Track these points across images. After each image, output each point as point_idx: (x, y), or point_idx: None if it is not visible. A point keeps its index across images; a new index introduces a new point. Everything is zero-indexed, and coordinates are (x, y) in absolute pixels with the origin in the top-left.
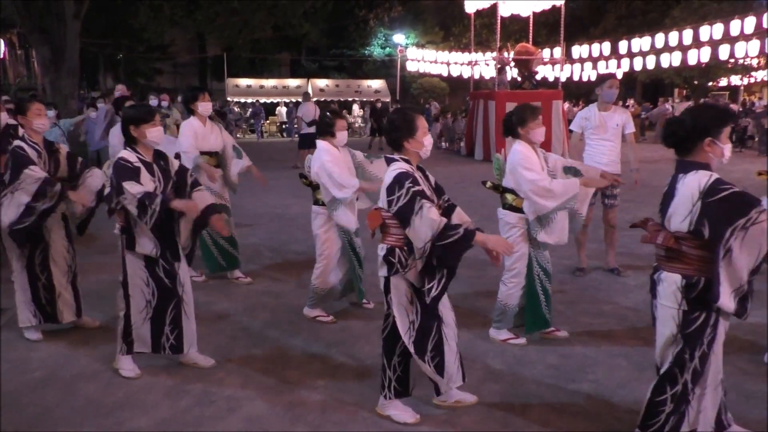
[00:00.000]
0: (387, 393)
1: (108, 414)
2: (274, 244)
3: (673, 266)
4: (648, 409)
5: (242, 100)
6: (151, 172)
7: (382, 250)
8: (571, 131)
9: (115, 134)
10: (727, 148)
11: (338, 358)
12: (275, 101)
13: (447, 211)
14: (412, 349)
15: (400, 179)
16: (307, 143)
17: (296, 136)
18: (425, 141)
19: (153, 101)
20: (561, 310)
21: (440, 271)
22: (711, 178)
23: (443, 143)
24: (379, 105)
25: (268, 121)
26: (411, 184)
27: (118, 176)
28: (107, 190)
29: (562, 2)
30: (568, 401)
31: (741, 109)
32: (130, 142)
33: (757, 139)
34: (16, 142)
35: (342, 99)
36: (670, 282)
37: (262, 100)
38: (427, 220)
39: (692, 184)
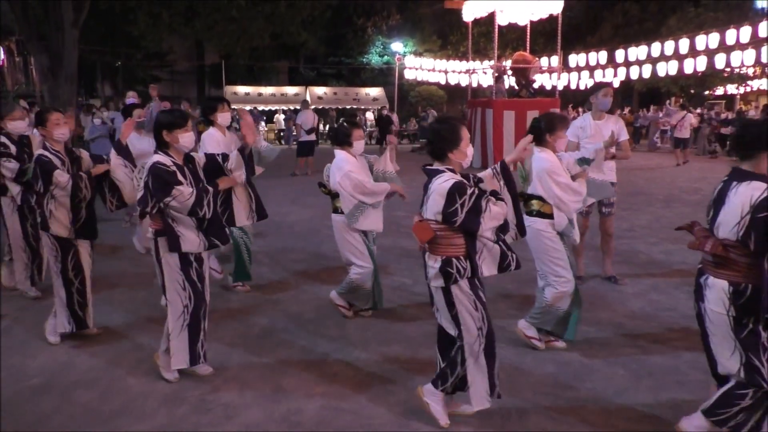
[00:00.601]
0: (441, 384)
1: (105, 421)
2: (272, 252)
3: (721, 272)
4: (722, 399)
5: (240, 107)
6: (183, 175)
7: (435, 261)
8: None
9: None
10: None
11: (336, 366)
12: (273, 109)
13: None
14: (483, 359)
15: (459, 188)
16: (306, 151)
17: (294, 143)
18: (468, 151)
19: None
20: None
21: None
22: (764, 192)
23: None
24: (384, 113)
25: (266, 129)
26: (471, 190)
27: (162, 181)
28: (140, 194)
29: (559, 11)
30: (566, 409)
31: (734, 118)
32: (162, 146)
33: None
34: (39, 152)
35: (340, 107)
36: (718, 288)
37: (261, 107)
38: (495, 216)
39: (745, 195)
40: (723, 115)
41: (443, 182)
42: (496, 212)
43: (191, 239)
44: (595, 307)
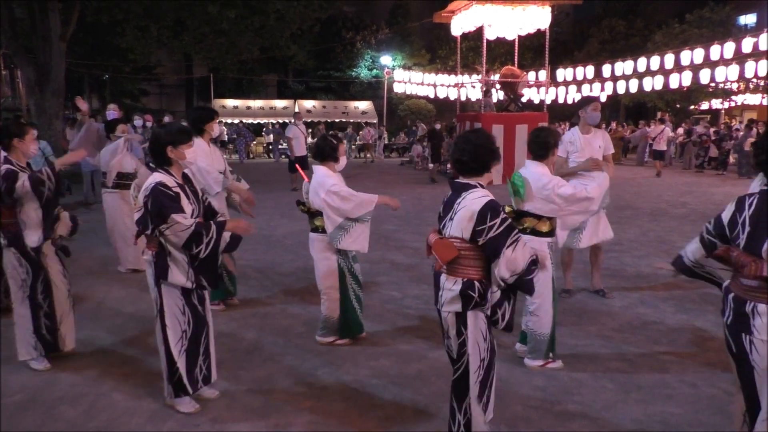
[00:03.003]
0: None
1: None
2: (261, 266)
3: None
4: None
5: (229, 120)
6: (186, 196)
7: (455, 284)
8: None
9: (108, 153)
10: None
11: (325, 380)
12: (262, 122)
13: None
14: (476, 391)
15: (494, 207)
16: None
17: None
18: (495, 171)
19: (137, 122)
20: None
21: (510, 295)
22: None
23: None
24: (438, 127)
25: (255, 142)
26: (505, 215)
27: (163, 205)
28: (138, 214)
29: (547, 26)
30: (554, 423)
31: (724, 133)
32: (164, 164)
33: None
34: (5, 166)
35: (329, 120)
36: None
37: (249, 121)
38: (523, 252)
39: None
40: (712, 130)
41: (478, 198)
42: (520, 252)
43: (178, 274)
44: (583, 320)
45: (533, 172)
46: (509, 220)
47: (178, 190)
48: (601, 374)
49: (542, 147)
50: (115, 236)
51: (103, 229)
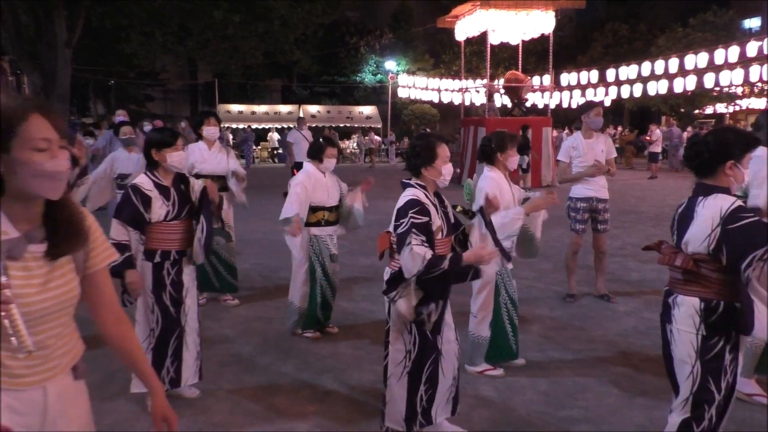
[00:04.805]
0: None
1: None
2: (264, 270)
3: (691, 289)
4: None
5: (233, 125)
6: (166, 196)
7: (386, 273)
8: (558, 161)
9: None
10: (747, 173)
11: (328, 384)
12: (267, 127)
13: (461, 243)
14: (405, 381)
15: (406, 207)
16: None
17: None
18: (444, 170)
19: (147, 127)
20: (551, 336)
21: (434, 298)
22: (733, 204)
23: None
24: (530, 134)
25: (259, 147)
26: (414, 215)
27: (119, 207)
28: None
29: (551, 31)
30: (559, 428)
31: None
32: (151, 166)
33: None
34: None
35: (333, 125)
36: (688, 305)
37: (254, 126)
38: (410, 256)
39: (713, 208)
40: None
41: (403, 196)
42: (414, 256)
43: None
44: (588, 325)
45: (484, 176)
46: (413, 221)
47: (152, 189)
48: (606, 379)
49: (484, 151)
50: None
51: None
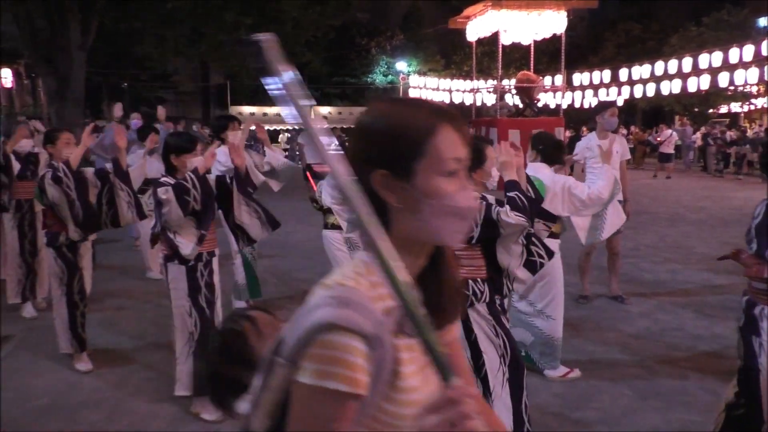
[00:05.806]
0: None
1: None
2: (279, 272)
3: None
4: None
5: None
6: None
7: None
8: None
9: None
10: None
11: None
12: (278, 129)
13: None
14: (508, 390)
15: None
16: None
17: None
18: (493, 172)
19: (135, 122)
20: (565, 337)
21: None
22: None
23: None
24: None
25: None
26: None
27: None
28: (153, 224)
29: (562, 31)
30: (574, 430)
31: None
32: (169, 171)
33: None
34: (48, 167)
35: (345, 126)
36: None
37: (266, 127)
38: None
39: None
40: (728, 134)
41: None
42: (510, 219)
43: (186, 244)
44: (602, 327)
45: (551, 176)
46: (488, 204)
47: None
48: (620, 381)
49: (553, 150)
50: (144, 242)
51: (124, 235)
